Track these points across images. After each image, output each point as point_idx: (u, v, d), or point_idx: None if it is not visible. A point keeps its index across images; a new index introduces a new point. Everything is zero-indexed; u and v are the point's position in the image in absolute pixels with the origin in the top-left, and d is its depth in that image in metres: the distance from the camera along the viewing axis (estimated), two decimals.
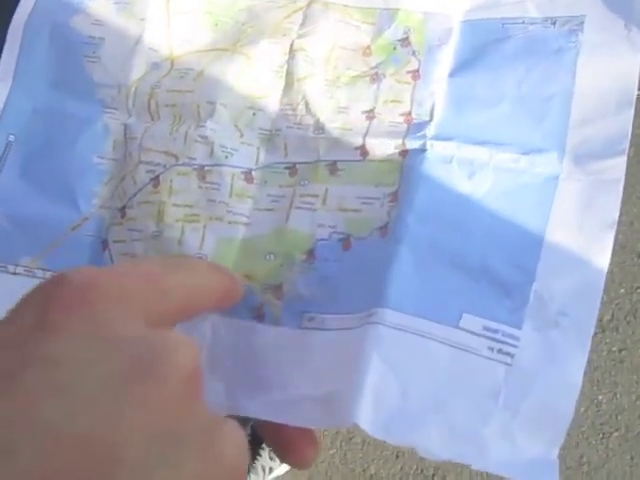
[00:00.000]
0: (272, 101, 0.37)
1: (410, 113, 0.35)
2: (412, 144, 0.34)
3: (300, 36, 0.38)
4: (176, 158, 0.36)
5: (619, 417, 1.35)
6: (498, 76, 0.35)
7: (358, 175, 0.35)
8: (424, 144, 0.34)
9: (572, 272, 0.31)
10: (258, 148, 0.36)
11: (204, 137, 0.36)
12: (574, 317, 0.31)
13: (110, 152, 0.38)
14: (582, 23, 0.35)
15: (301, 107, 0.36)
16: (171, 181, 0.35)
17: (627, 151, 0.32)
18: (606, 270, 0.31)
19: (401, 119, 0.35)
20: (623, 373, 1.38)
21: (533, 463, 0.29)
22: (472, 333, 0.31)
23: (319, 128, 0.36)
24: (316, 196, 0.35)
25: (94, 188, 0.37)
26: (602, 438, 1.34)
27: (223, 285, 0.29)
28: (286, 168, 0.36)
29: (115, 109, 0.38)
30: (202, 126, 0.36)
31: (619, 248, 1.42)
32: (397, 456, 1.35)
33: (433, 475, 1.35)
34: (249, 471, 1.30)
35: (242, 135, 0.36)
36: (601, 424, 1.35)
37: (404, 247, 0.32)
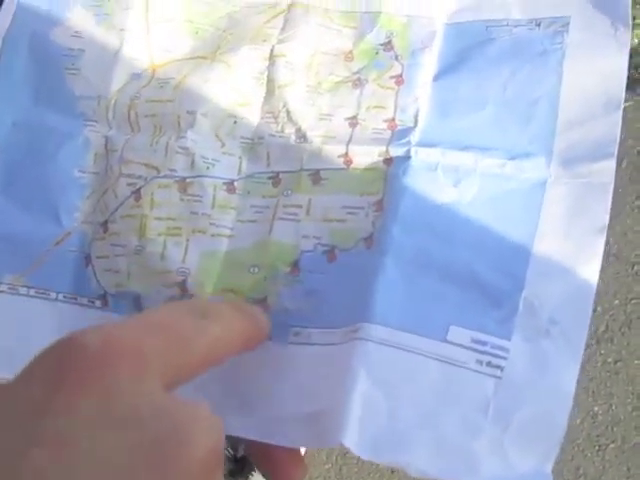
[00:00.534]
0: (253, 109, 0.36)
1: (394, 119, 0.35)
2: (396, 151, 0.34)
3: (280, 41, 0.37)
4: (157, 170, 0.35)
5: (615, 429, 1.35)
6: (483, 79, 0.34)
7: (342, 184, 0.34)
8: (408, 151, 0.33)
9: (562, 278, 0.30)
10: (240, 158, 0.35)
11: (185, 148, 0.35)
12: (565, 324, 0.30)
13: (91, 165, 0.37)
14: (567, 24, 0.35)
15: (283, 115, 0.36)
16: (152, 194, 0.35)
17: (616, 154, 0.32)
18: (597, 275, 0.30)
19: (385, 125, 0.35)
20: (619, 384, 1.37)
21: (525, 478, 0.28)
22: (460, 346, 0.30)
23: (301, 136, 0.35)
24: (300, 206, 0.34)
25: (76, 202, 0.36)
26: (598, 450, 1.34)
27: (247, 329, 0.28)
28: (269, 178, 0.35)
29: (96, 122, 0.37)
30: (183, 137, 0.35)
31: (613, 259, 1.42)
32: (392, 471, 1.34)
33: None
34: None
35: (223, 145, 0.36)
36: (597, 436, 1.34)
37: (389, 259, 0.31)
